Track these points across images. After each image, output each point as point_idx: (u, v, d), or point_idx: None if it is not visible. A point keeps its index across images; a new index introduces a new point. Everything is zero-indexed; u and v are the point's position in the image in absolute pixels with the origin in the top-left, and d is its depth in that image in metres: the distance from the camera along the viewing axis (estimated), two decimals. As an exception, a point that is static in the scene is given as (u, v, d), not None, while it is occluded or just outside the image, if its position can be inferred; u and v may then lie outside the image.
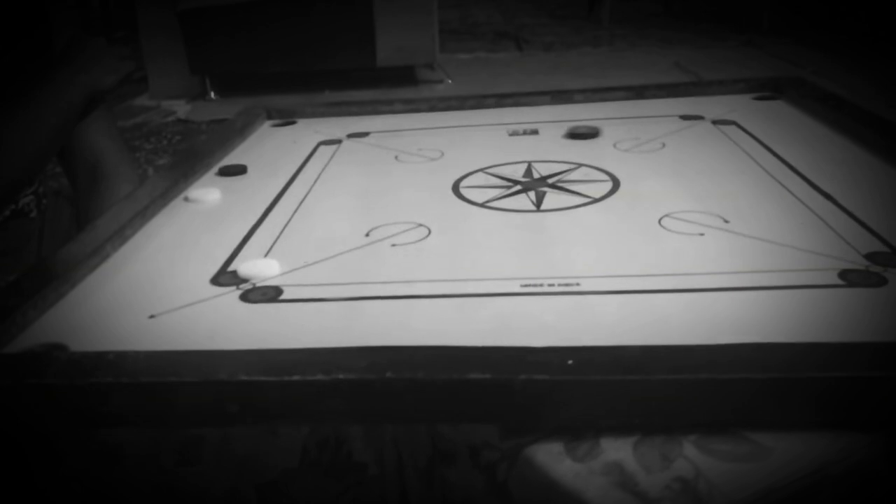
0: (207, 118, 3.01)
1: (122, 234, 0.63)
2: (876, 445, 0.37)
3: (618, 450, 0.37)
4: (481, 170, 0.77)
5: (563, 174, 0.74)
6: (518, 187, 0.72)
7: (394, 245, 0.61)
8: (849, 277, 0.50)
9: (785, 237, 0.57)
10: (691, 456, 0.36)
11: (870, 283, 0.49)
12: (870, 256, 0.53)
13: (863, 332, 0.44)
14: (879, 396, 0.37)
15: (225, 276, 0.56)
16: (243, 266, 0.57)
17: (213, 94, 3.35)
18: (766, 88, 0.99)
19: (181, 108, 3.26)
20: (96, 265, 0.59)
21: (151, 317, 0.51)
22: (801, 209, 0.62)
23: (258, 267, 0.57)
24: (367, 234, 0.63)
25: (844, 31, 3.06)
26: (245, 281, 0.55)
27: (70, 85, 0.86)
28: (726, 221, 0.61)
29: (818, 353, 0.40)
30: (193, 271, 0.57)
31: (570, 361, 0.39)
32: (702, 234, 0.59)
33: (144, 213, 0.68)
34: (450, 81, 3.31)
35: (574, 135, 0.85)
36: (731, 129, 0.85)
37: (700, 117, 0.90)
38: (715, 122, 0.88)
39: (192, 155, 0.87)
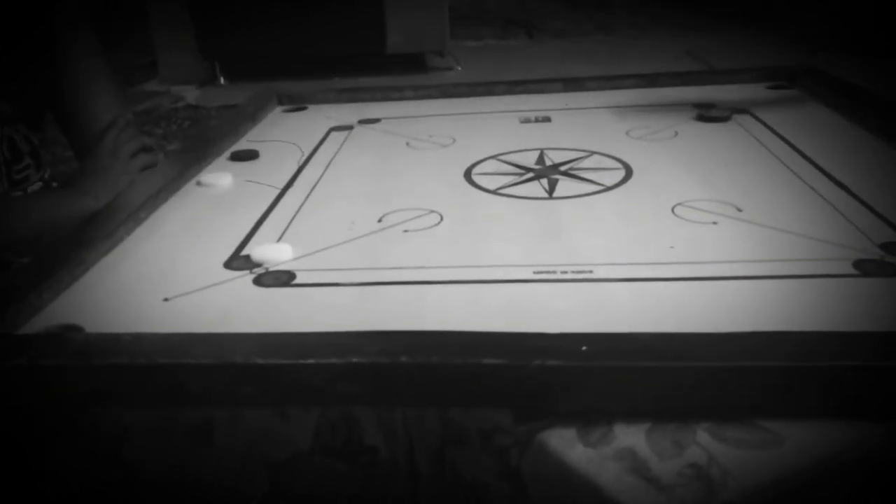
0: (217, 104, 3.01)
1: (135, 217, 0.63)
2: (890, 435, 0.37)
3: (630, 436, 0.37)
4: (493, 157, 0.77)
5: (576, 162, 0.74)
6: (530, 174, 0.72)
7: (406, 231, 0.61)
8: (863, 267, 0.50)
9: (799, 226, 0.56)
10: (704, 443, 0.36)
11: (885, 273, 0.49)
12: (885, 246, 0.53)
13: (877, 321, 0.44)
14: (893, 386, 0.37)
15: (238, 261, 0.57)
16: (256, 250, 0.57)
17: (222, 80, 3.35)
18: (781, 77, 0.98)
19: (191, 94, 3.26)
20: (110, 248, 0.59)
21: (166, 300, 0.51)
22: (815, 198, 0.62)
23: (271, 251, 0.57)
24: (380, 220, 0.63)
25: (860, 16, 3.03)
26: (258, 265, 0.55)
27: (62, 208, 0.83)
28: (740, 210, 0.60)
29: (832, 342, 0.40)
30: (206, 255, 0.58)
31: (584, 347, 0.39)
32: (715, 223, 0.59)
33: (157, 197, 0.68)
34: (459, 68, 3.29)
35: (705, 116, 0.83)
36: (745, 118, 0.84)
37: (713, 106, 0.89)
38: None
39: (203, 140, 0.88)
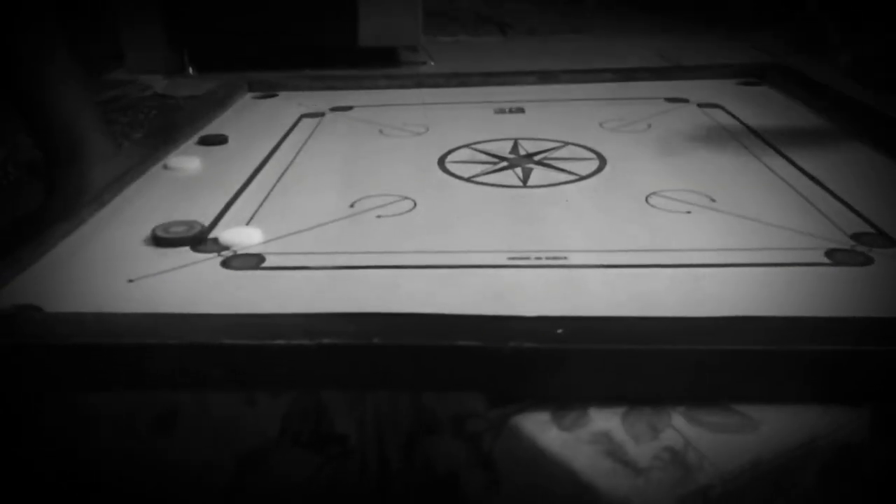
0: (185, 93, 2.96)
1: (99, 200, 0.61)
2: (862, 419, 0.37)
3: (606, 419, 0.37)
4: (467, 145, 0.76)
5: (550, 152, 0.74)
6: (504, 163, 0.71)
7: (379, 216, 0.60)
8: (835, 256, 0.50)
9: (771, 217, 0.57)
10: (680, 427, 0.36)
11: (856, 262, 0.49)
12: (855, 237, 0.53)
13: (848, 308, 0.44)
14: (865, 370, 0.37)
15: (205, 244, 0.55)
16: (224, 233, 0.56)
17: (191, 70, 3.30)
18: (751, 74, 0.99)
19: (158, 83, 3.20)
20: (72, 228, 0.57)
21: (130, 281, 0.49)
22: (786, 190, 0.62)
23: (239, 234, 0.55)
24: (352, 206, 0.62)
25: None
26: (226, 248, 0.54)
27: None
28: (713, 200, 0.60)
29: (805, 326, 0.40)
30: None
31: (559, 330, 0.38)
32: (689, 212, 0.59)
33: (122, 179, 0.66)
34: (432, 63, 3.28)
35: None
36: (717, 112, 0.85)
37: (685, 100, 0.90)
38: (700, 105, 0.88)
39: (171, 124, 0.86)
